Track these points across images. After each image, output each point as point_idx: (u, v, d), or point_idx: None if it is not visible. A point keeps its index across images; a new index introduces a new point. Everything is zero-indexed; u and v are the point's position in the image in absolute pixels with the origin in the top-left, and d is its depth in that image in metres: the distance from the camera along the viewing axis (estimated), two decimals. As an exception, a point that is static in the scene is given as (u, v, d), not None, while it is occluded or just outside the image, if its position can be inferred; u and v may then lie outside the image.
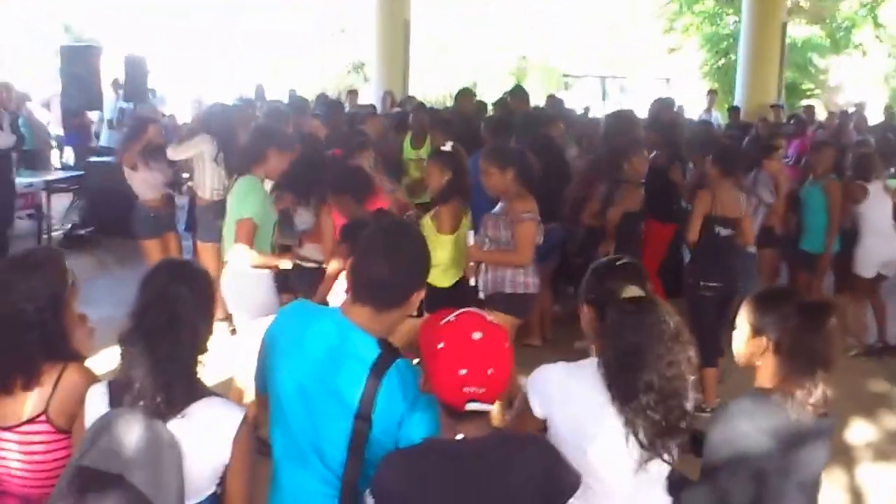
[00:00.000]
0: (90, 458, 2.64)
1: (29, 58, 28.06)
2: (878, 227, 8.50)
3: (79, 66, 14.01)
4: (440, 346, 2.42)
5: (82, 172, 13.51)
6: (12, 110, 12.31)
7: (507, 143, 8.05)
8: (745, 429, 3.03)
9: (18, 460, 3.10)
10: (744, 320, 3.27)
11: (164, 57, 25.43)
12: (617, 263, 3.28)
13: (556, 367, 3.08)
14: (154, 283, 2.89)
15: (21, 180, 12.01)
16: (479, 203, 6.67)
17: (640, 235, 7.93)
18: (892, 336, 8.87)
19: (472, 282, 6.31)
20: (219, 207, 7.00)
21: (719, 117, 18.43)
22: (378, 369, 2.64)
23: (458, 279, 6.45)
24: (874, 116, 18.72)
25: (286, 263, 6.06)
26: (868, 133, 15.75)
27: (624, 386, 2.84)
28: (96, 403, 2.84)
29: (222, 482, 2.90)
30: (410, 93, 19.49)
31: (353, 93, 18.51)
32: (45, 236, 12.29)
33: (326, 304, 5.82)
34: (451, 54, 33.19)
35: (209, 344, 2.94)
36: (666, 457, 2.89)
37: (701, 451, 3.16)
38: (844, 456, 6.48)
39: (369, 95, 20.33)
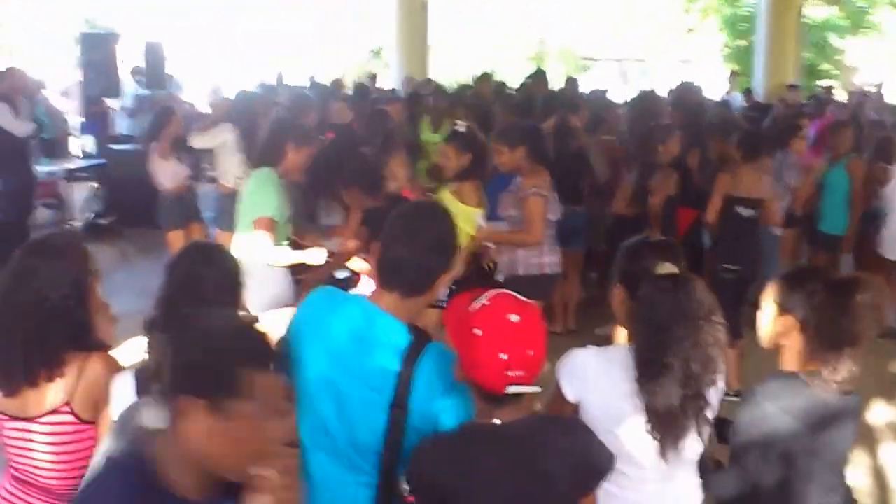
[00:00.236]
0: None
1: (47, 45, 28.09)
2: None
3: (97, 53, 14.05)
4: (478, 332, 2.39)
5: (103, 161, 13.49)
6: (30, 97, 12.33)
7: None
8: (772, 410, 3.01)
9: (42, 451, 3.07)
10: (770, 300, 3.24)
11: (181, 44, 25.43)
12: (651, 241, 3.28)
13: (587, 351, 3.08)
14: (181, 266, 2.87)
15: (41, 169, 12.01)
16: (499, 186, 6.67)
17: (676, 220, 7.87)
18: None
19: (485, 265, 6.30)
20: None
21: (741, 98, 18.35)
22: (411, 356, 2.62)
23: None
24: (892, 96, 18.59)
25: (317, 257, 5.88)
26: (886, 113, 15.66)
27: (649, 365, 2.83)
28: (123, 393, 2.81)
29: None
30: (429, 77, 19.45)
31: (372, 77, 18.50)
32: (65, 226, 12.31)
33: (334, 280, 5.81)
34: (469, 39, 33.06)
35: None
36: (695, 440, 2.89)
37: (727, 437, 3.17)
38: (865, 437, 6.48)
39: (389, 81, 20.27)
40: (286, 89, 14.29)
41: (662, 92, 13.49)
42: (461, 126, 6.44)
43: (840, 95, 20.32)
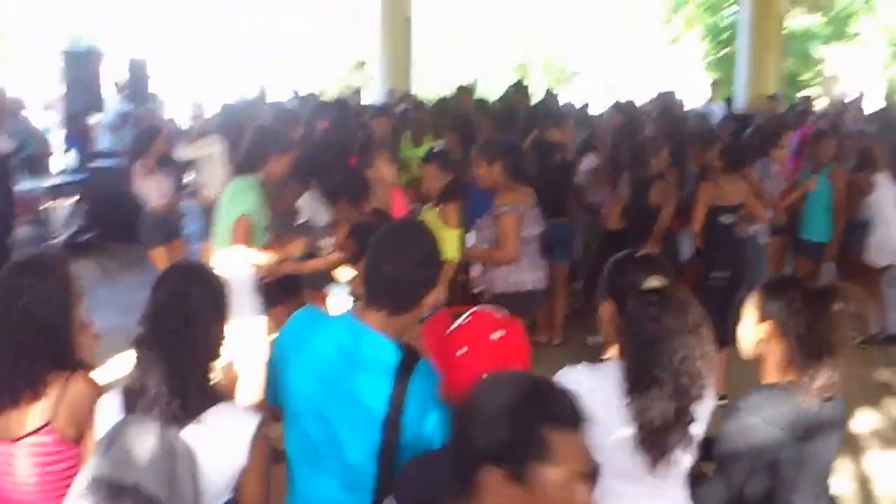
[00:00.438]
0: (103, 467, 2.57)
1: (30, 61, 28.05)
2: (888, 216, 8.58)
3: (80, 69, 14.04)
4: (461, 350, 2.37)
5: (85, 177, 13.46)
6: (10, 114, 12.29)
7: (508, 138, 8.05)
8: (756, 423, 3.02)
9: (26, 473, 3.04)
10: (751, 308, 3.26)
11: (163, 60, 25.41)
12: (638, 255, 3.29)
13: (578, 369, 3.08)
14: (168, 285, 2.85)
15: (22, 186, 11.95)
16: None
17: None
18: (892, 325, 8.96)
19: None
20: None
21: (724, 107, 18.44)
22: (403, 373, 2.61)
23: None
24: (872, 105, 18.72)
25: (294, 251, 5.97)
26: (866, 122, 15.77)
27: (639, 379, 2.84)
28: (108, 412, 2.79)
29: (237, 489, 2.84)
30: (413, 91, 19.48)
31: (356, 91, 18.52)
32: (47, 242, 12.26)
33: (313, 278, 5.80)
34: (453, 52, 33.14)
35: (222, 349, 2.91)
36: (684, 453, 2.90)
37: (713, 453, 3.18)
38: (849, 444, 6.48)
39: (372, 93, 20.30)
40: (269, 104, 14.29)
41: (644, 102, 13.57)
42: (439, 145, 6.48)
43: (821, 104, 20.48)
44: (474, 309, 2.48)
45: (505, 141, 7.31)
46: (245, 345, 5.79)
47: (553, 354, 7.92)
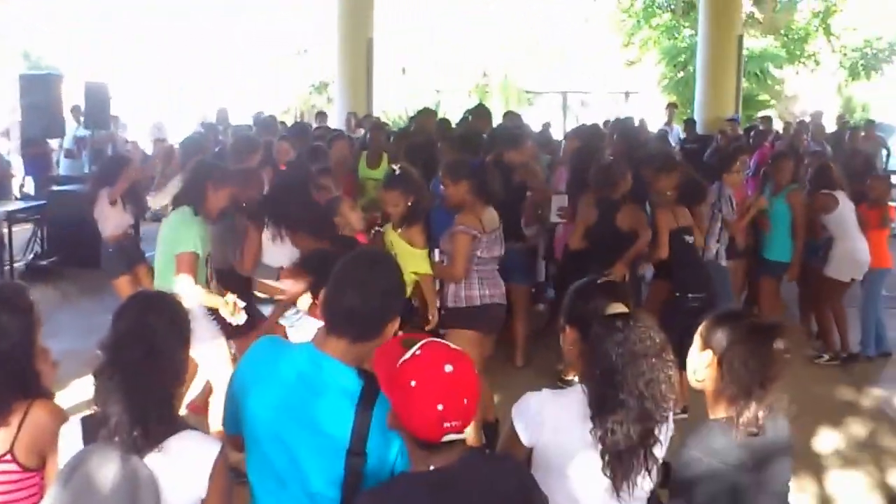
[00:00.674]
0: (66, 496, 2.59)
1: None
2: (850, 232, 8.72)
3: (39, 94, 13.93)
4: (412, 383, 2.35)
5: (44, 202, 13.33)
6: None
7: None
8: (697, 456, 3.02)
9: None
10: (697, 335, 3.27)
11: (125, 82, 25.32)
12: (599, 282, 3.32)
13: (542, 395, 3.11)
14: (129, 315, 2.85)
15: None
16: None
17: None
18: (853, 343, 9.04)
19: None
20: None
21: (679, 130, 18.63)
22: (366, 401, 2.62)
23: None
24: (829, 125, 19.00)
25: (229, 302, 5.87)
26: (825, 141, 16.00)
27: (604, 404, 2.87)
28: (70, 441, 2.78)
29: (199, 516, 2.83)
30: (375, 112, 19.49)
31: (321, 114, 18.51)
32: (6, 268, 12.14)
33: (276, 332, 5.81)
34: (413, 73, 33.20)
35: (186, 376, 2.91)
36: (646, 477, 2.92)
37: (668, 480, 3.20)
38: (812, 464, 6.56)
39: (333, 115, 20.26)
40: (230, 127, 14.27)
41: (602, 122, 13.68)
42: (397, 168, 6.50)
43: (778, 124, 20.72)
44: (425, 341, 2.46)
45: (470, 161, 7.30)
46: (211, 367, 5.84)
47: (517, 376, 7.98)
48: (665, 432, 3.02)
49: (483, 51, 33.89)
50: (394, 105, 28.08)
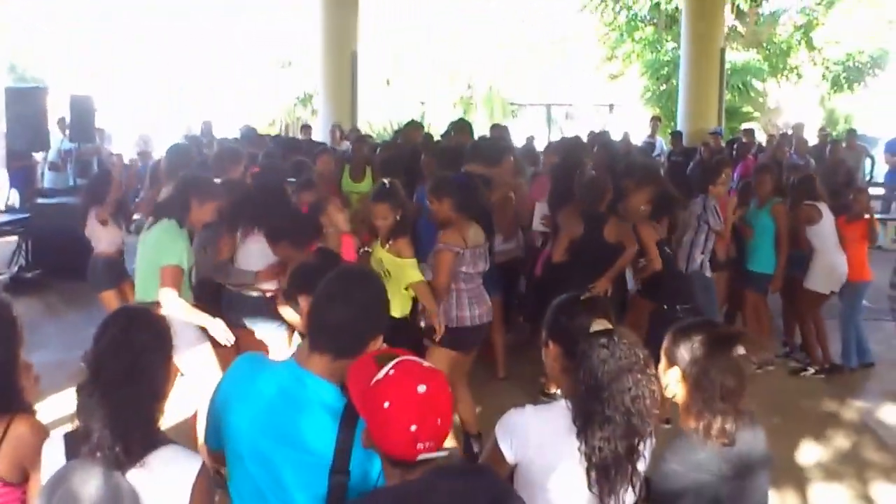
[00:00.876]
0: None
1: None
2: (829, 245, 8.76)
3: (24, 107, 13.90)
4: (386, 405, 2.34)
5: (28, 215, 13.34)
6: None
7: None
8: (675, 468, 3.06)
9: None
10: (662, 351, 3.29)
11: (110, 95, 25.28)
12: (582, 298, 3.33)
13: (525, 411, 3.12)
14: (111, 331, 2.85)
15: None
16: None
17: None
18: (834, 355, 9.08)
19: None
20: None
21: (663, 143, 18.70)
22: (349, 418, 2.62)
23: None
24: (811, 138, 19.06)
25: (212, 324, 5.90)
26: (807, 154, 16.06)
27: (590, 419, 2.89)
28: (53, 456, 2.78)
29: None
30: (360, 124, 19.47)
31: (306, 127, 18.51)
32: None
33: None
34: (397, 85, 33.20)
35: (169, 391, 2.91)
36: (630, 491, 2.94)
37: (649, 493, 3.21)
38: (793, 475, 6.59)
39: (317, 127, 20.22)
40: (214, 140, 14.24)
41: (585, 135, 13.70)
42: (386, 182, 6.50)
43: (761, 137, 20.81)
44: (399, 359, 2.45)
45: (454, 176, 7.29)
46: (196, 374, 5.84)
47: (498, 388, 8.00)
48: (648, 447, 3.04)
49: (468, 63, 33.93)
50: (378, 117, 28.02)
